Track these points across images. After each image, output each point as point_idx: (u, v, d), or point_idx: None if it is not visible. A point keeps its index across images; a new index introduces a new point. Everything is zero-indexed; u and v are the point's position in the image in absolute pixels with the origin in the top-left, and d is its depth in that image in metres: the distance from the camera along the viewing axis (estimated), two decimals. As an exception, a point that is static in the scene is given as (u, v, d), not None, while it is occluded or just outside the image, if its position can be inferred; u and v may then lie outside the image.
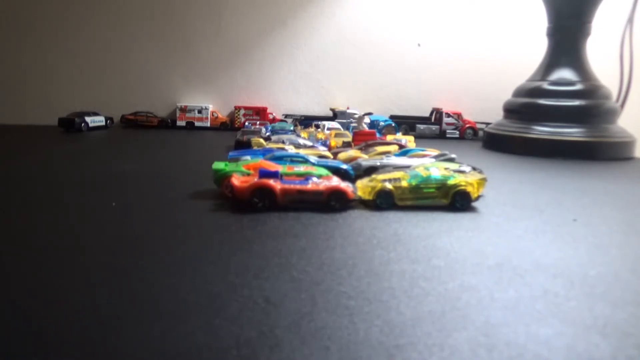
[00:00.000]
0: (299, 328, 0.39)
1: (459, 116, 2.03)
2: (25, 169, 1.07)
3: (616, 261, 0.58)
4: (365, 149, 1.17)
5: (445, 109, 2.05)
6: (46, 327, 0.38)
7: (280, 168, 0.84)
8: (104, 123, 1.93)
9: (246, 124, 1.87)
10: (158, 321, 0.39)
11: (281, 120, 2.03)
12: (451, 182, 0.80)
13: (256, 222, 0.69)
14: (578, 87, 1.55)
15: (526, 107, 1.61)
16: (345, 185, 0.79)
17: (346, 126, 1.72)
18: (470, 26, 2.18)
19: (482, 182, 0.84)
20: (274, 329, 0.39)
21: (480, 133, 1.94)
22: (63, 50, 2.09)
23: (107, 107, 2.03)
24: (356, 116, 1.87)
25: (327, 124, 1.68)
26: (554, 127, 1.51)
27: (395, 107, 2.22)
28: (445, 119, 2.01)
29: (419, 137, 1.89)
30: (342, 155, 1.11)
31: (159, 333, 0.38)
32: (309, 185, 0.78)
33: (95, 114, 1.91)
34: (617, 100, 1.97)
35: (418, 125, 2.01)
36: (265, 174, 0.78)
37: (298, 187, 0.77)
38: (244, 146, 1.26)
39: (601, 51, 1.90)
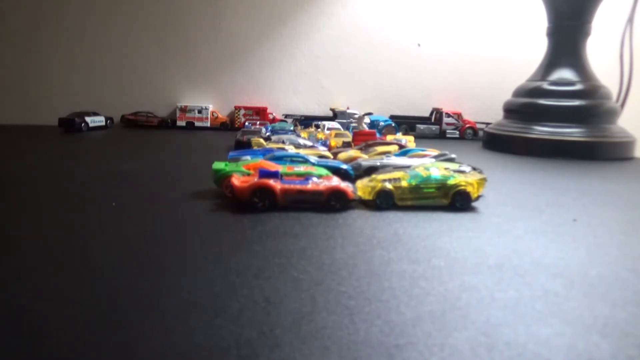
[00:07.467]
0: (299, 328, 0.39)
1: (459, 116, 2.03)
2: (26, 169, 1.07)
3: (616, 261, 0.58)
4: (365, 149, 1.17)
5: (445, 109, 2.05)
6: (46, 326, 0.38)
7: (280, 168, 0.84)
8: (104, 123, 1.93)
9: (246, 124, 1.87)
10: (158, 321, 0.39)
11: (281, 120, 2.03)
12: (451, 182, 0.80)
13: (256, 222, 0.69)
14: (578, 87, 1.55)
15: (526, 107, 1.61)
16: (345, 185, 0.79)
17: (346, 126, 1.72)
18: (470, 26, 2.18)
19: (482, 182, 0.84)
20: (274, 328, 0.39)
21: (480, 133, 1.94)
22: (63, 50, 2.09)
23: (107, 107, 2.02)
24: (356, 116, 1.87)
25: (327, 124, 1.68)
26: (554, 127, 1.51)
27: (395, 107, 2.22)
28: (445, 119, 2.01)
29: (419, 137, 1.89)
30: (342, 155, 1.11)
31: (159, 333, 0.38)
32: (309, 185, 0.78)
33: (95, 114, 1.90)
34: (617, 100, 1.97)
35: (418, 125, 2.01)
36: (265, 174, 0.78)
37: (298, 187, 0.77)
38: (244, 146, 1.25)
39: (601, 51, 1.90)
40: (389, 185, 0.80)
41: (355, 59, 2.19)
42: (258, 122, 1.89)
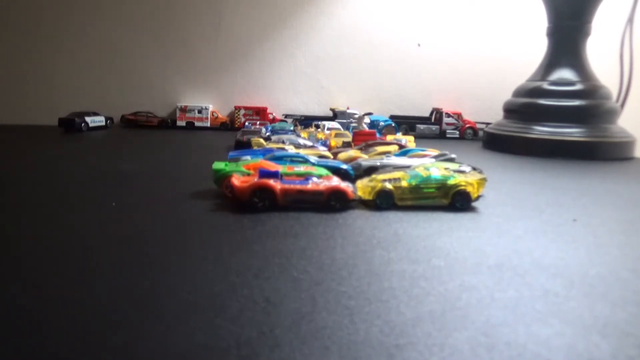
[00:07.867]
0: (299, 328, 0.39)
1: (459, 116, 2.03)
2: (26, 169, 1.07)
3: (616, 261, 0.58)
4: (365, 149, 1.17)
5: (445, 109, 2.05)
6: (46, 326, 0.38)
7: (280, 168, 0.84)
8: (104, 123, 1.93)
9: (246, 124, 1.87)
10: (158, 321, 0.39)
11: (281, 120, 2.03)
12: (451, 182, 0.80)
13: (256, 222, 0.69)
14: (578, 87, 1.55)
15: (526, 107, 1.61)
16: (345, 185, 0.79)
17: (346, 126, 1.72)
18: (470, 26, 2.18)
19: (482, 182, 0.84)
20: (274, 328, 0.39)
21: (480, 133, 1.94)
22: (63, 51, 2.09)
23: (107, 107, 2.03)
24: (356, 116, 1.87)
25: (327, 124, 1.68)
26: (554, 127, 1.51)
27: (395, 107, 2.22)
28: (445, 119, 2.01)
29: (419, 137, 1.89)
30: (342, 155, 1.11)
31: (159, 333, 0.38)
32: (309, 185, 0.78)
33: (95, 114, 1.90)
34: (617, 100, 1.97)
35: (418, 125, 2.01)
36: (265, 174, 0.78)
37: (298, 187, 0.77)
38: (244, 146, 1.25)
39: (601, 51, 1.90)
40: (389, 185, 0.80)
41: (355, 59, 2.19)
42: (258, 122, 1.89)
